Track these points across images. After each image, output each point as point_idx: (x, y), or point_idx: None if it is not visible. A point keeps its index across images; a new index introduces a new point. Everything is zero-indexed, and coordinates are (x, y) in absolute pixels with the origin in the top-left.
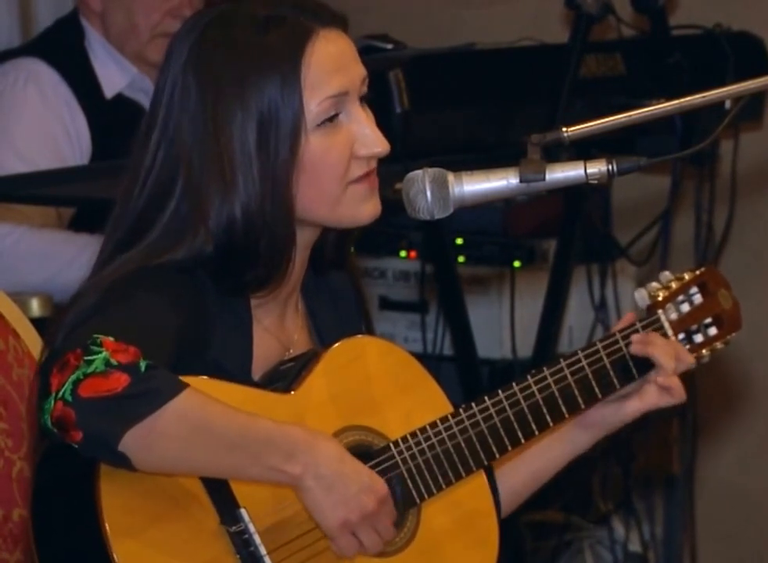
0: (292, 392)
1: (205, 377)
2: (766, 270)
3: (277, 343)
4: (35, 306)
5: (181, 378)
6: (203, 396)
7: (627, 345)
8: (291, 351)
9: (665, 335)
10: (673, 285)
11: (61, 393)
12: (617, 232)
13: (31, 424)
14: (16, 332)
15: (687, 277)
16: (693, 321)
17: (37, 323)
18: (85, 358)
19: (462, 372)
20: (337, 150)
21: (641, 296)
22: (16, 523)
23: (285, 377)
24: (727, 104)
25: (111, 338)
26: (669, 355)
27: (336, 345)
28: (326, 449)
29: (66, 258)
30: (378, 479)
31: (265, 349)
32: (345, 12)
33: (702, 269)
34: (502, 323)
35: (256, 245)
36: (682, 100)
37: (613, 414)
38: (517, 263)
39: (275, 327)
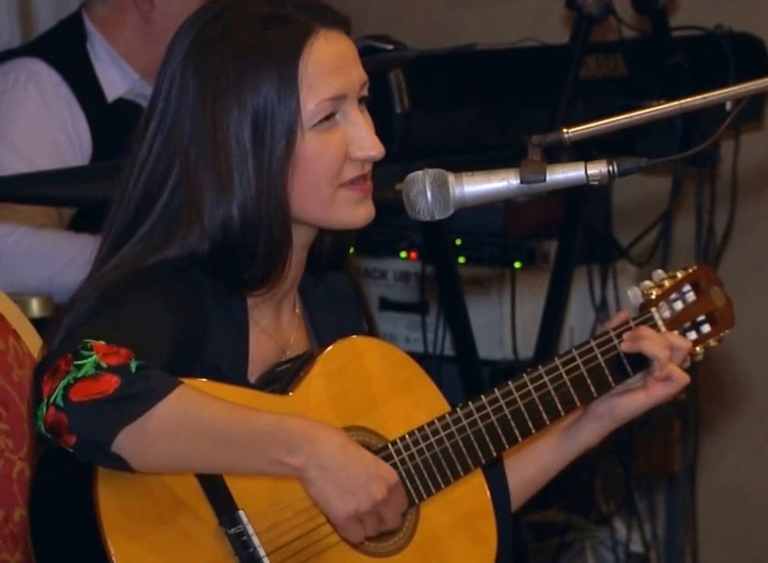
0: (289, 394)
1: (202, 379)
2: (767, 270)
3: (273, 344)
4: (35, 307)
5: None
6: (198, 393)
7: (621, 342)
8: (288, 352)
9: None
10: (666, 283)
11: (53, 399)
12: (618, 233)
13: (31, 425)
14: (16, 333)
15: (679, 275)
16: (686, 319)
17: (37, 323)
18: (75, 363)
19: (463, 373)
20: (332, 150)
21: (634, 294)
22: (16, 523)
23: (282, 378)
24: (728, 105)
25: (102, 342)
26: (661, 345)
27: (333, 346)
28: (328, 438)
29: (66, 258)
30: (386, 466)
31: (262, 350)
32: (345, 12)
33: (695, 267)
34: (503, 324)
35: (253, 243)
36: (683, 101)
37: (622, 406)
38: (517, 264)
39: (272, 328)
